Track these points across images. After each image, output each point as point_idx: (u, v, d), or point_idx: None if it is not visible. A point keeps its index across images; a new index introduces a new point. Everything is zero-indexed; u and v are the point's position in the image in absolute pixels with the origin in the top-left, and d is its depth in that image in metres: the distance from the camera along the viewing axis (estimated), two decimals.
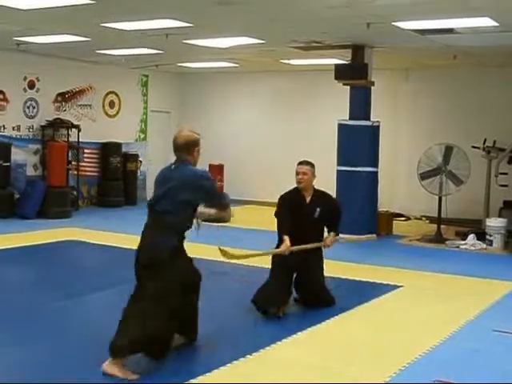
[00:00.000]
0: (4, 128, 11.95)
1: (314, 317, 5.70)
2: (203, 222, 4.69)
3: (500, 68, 11.79)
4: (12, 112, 12.05)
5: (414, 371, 4.46)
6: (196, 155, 4.56)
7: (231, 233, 9.95)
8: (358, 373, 4.42)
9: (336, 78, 10.61)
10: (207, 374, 4.28)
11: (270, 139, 14.43)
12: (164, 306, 4.32)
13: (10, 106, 12.03)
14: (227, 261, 5.69)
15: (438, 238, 10.28)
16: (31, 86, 12.39)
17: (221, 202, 4.65)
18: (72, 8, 7.65)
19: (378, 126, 10.55)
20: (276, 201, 6.16)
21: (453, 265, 8.42)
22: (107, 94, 14.07)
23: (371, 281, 7.31)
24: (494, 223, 9.89)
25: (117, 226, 10.87)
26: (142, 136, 15.04)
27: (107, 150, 13.65)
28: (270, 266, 6.00)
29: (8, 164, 11.61)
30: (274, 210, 6.07)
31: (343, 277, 7.38)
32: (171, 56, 12.24)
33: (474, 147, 11.13)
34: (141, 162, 14.54)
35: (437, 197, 10.60)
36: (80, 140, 12.93)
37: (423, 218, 12.43)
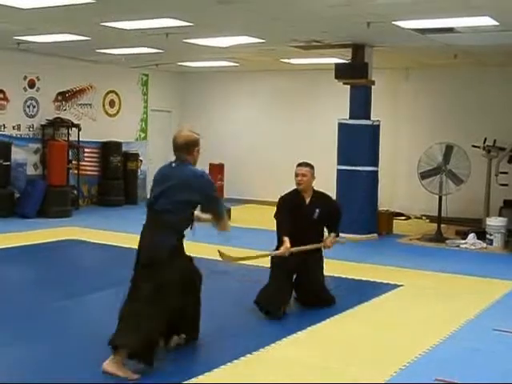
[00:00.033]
0: (4, 127, 11.95)
1: (314, 316, 5.70)
2: (201, 223, 4.68)
3: (500, 67, 11.79)
4: (12, 111, 12.05)
5: (414, 370, 4.47)
6: (196, 155, 4.56)
7: (231, 232, 9.93)
8: (358, 372, 4.42)
9: (336, 77, 10.61)
10: (207, 374, 4.28)
11: (271, 138, 14.43)
12: (158, 308, 4.30)
13: (10, 106, 12.03)
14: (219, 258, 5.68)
15: (439, 238, 10.28)
16: (31, 85, 12.39)
17: (218, 209, 4.60)
18: (72, 7, 7.65)
19: (379, 126, 10.54)
20: (276, 200, 6.17)
21: (453, 264, 8.42)
22: (107, 93, 14.07)
23: (371, 280, 7.31)
24: (494, 222, 9.89)
25: (117, 225, 10.87)
26: (143, 135, 15.04)
27: (107, 149, 13.65)
28: (263, 264, 5.99)
29: (8, 163, 11.61)
30: (274, 209, 6.07)
31: (343, 276, 7.38)
32: (171, 55, 12.24)
33: (474, 146, 11.13)
34: (141, 161, 14.54)
35: (437, 196, 10.60)
36: (80, 139, 12.93)
37: (423, 218, 12.44)
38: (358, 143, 10.27)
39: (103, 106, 14.01)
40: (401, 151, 12.94)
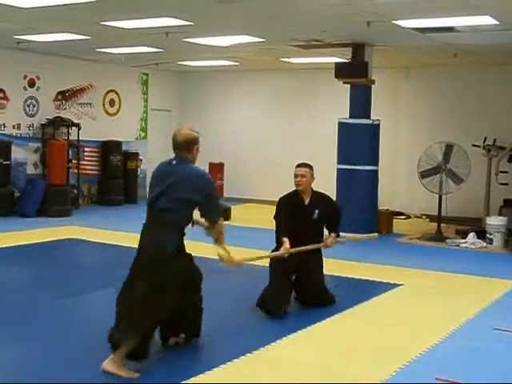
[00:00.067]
0: (4, 126, 11.95)
1: (314, 315, 5.70)
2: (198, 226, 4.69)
3: (500, 66, 11.78)
4: (12, 110, 12.05)
5: (414, 369, 4.47)
6: (195, 153, 4.56)
7: (231, 231, 9.92)
8: (358, 371, 4.42)
9: (336, 76, 10.61)
10: (207, 373, 4.28)
11: (271, 138, 14.43)
12: (156, 307, 4.29)
13: (10, 105, 12.03)
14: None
15: (438, 237, 10.28)
16: (31, 84, 12.39)
17: (214, 210, 4.60)
18: (72, 6, 7.65)
19: (378, 125, 10.54)
20: (276, 199, 6.17)
21: (453, 263, 8.42)
22: (107, 92, 14.07)
23: (371, 279, 7.31)
24: (494, 222, 9.89)
25: (117, 224, 10.87)
26: (143, 134, 15.04)
27: (107, 149, 13.65)
28: (269, 267, 5.99)
29: (8, 162, 11.61)
30: (274, 208, 6.08)
31: (343, 275, 7.38)
32: (171, 54, 12.24)
33: (474, 145, 11.13)
34: (141, 160, 14.53)
35: (437, 195, 10.60)
36: (80, 138, 12.93)
37: (423, 217, 12.44)
38: (358, 142, 10.27)
39: (103, 105, 14.01)
40: (401, 150, 12.94)
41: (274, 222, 6.00)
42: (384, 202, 11.55)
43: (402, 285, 7.06)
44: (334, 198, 6.90)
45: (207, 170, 5.15)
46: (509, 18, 7.69)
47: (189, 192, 4.37)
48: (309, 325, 5.45)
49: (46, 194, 11.71)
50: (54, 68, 12.61)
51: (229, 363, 4.46)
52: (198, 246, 4.78)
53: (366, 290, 6.90)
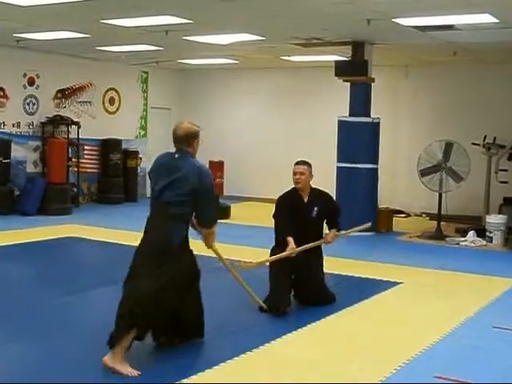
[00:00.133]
0: (4, 125, 11.95)
1: (314, 314, 5.70)
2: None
3: (500, 65, 11.78)
4: (12, 109, 12.04)
5: (414, 368, 4.47)
6: (196, 147, 4.61)
7: (231, 231, 9.95)
8: (358, 370, 4.42)
9: (336, 74, 10.61)
10: (207, 371, 4.28)
11: (270, 136, 14.43)
12: (155, 302, 4.30)
13: (9, 103, 12.03)
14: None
15: (438, 235, 10.28)
16: (31, 82, 12.38)
17: (210, 213, 4.64)
18: (72, 5, 7.65)
19: (378, 123, 10.55)
20: (276, 197, 6.17)
21: (453, 261, 8.43)
22: (107, 90, 14.06)
23: (371, 277, 7.31)
24: (494, 220, 9.89)
25: (117, 222, 10.88)
26: (142, 133, 15.04)
27: (107, 147, 13.65)
28: (269, 266, 6.00)
29: (8, 161, 11.61)
30: (273, 206, 6.08)
31: (343, 274, 7.38)
32: (171, 52, 12.23)
33: (474, 144, 11.13)
34: (141, 158, 14.53)
35: (437, 193, 10.60)
36: (80, 137, 12.93)
37: (423, 215, 12.44)
38: (358, 141, 10.27)
39: (103, 103, 14.01)
40: (400, 148, 12.93)
41: (274, 220, 6.00)
42: (384, 201, 11.54)
43: (401, 283, 7.06)
44: (333, 196, 6.88)
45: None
46: (509, 16, 7.69)
47: (192, 187, 4.39)
48: (309, 323, 5.44)
49: (46, 193, 11.71)
50: (54, 66, 12.61)
51: (229, 361, 4.46)
52: (197, 245, 4.77)
53: (366, 289, 6.90)
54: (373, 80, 10.61)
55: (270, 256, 5.95)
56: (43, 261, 8.10)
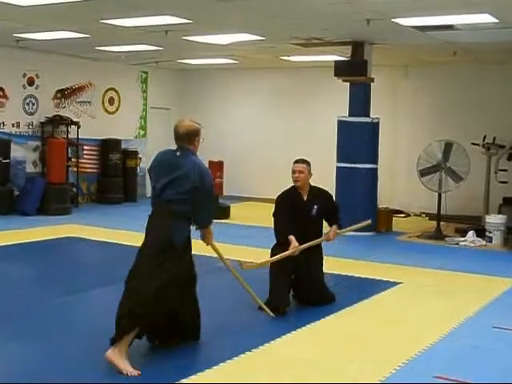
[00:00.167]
0: (3, 125, 11.95)
1: (313, 313, 5.70)
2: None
3: (500, 65, 11.78)
4: (11, 109, 12.04)
5: (413, 368, 4.47)
6: (197, 144, 4.64)
7: (231, 231, 9.95)
8: (357, 370, 4.42)
9: (336, 74, 10.61)
10: (207, 371, 4.28)
11: (270, 136, 14.43)
12: (156, 300, 4.31)
13: (9, 103, 12.02)
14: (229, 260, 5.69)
15: (438, 235, 10.28)
16: (31, 82, 12.38)
17: (208, 212, 4.65)
18: (71, 5, 7.65)
19: (378, 123, 10.55)
20: (275, 197, 6.16)
21: (452, 261, 8.43)
22: (107, 90, 14.06)
23: (371, 277, 7.31)
24: (494, 220, 9.89)
25: (117, 222, 10.87)
26: (142, 133, 15.04)
27: (107, 147, 13.64)
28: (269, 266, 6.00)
29: (7, 161, 11.60)
30: (273, 206, 6.08)
31: (343, 274, 7.38)
32: (171, 52, 12.23)
33: (473, 144, 11.13)
34: (140, 158, 14.53)
35: (436, 193, 10.61)
36: (79, 137, 12.92)
37: (423, 215, 12.45)
38: (358, 141, 10.28)
39: (102, 103, 14.01)
40: (400, 148, 12.94)
41: (273, 219, 6.00)
42: (383, 201, 11.55)
43: (401, 283, 7.06)
44: (333, 195, 6.87)
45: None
46: (508, 16, 7.69)
47: (192, 185, 4.41)
48: (309, 323, 5.44)
49: (46, 193, 11.71)
50: (54, 66, 12.61)
51: (229, 361, 4.45)
52: (197, 244, 4.76)
53: (365, 288, 6.90)
54: (372, 80, 10.62)
55: (271, 255, 5.95)
56: (43, 261, 8.10)
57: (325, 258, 6.26)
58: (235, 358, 4.52)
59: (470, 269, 7.88)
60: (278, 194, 6.17)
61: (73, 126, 12.74)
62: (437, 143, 10.57)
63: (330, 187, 7.12)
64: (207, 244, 4.82)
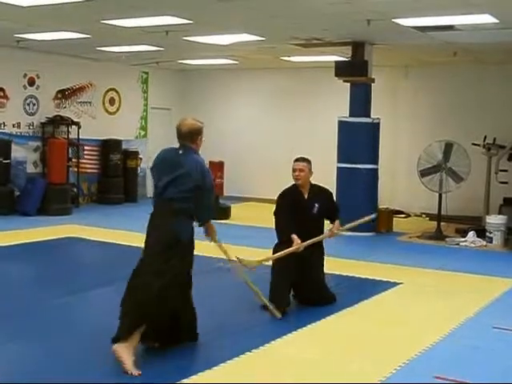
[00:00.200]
0: (4, 125, 11.95)
1: (314, 314, 5.70)
2: None
3: (500, 65, 11.78)
4: (12, 109, 12.04)
5: (413, 368, 4.47)
6: (199, 143, 4.68)
7: (231, 231, 9.95)
8: (358, 370, 4.42)
9: (336, 74, 10.61)
10: (207, 371, 4.28)
11: (271, 136, 14.43)
12: (160, 299, 4.32)
13: (10, 103, 12.03)
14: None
15: (438, 235, 10.28)
16: (31, 83, 12.38)
17: (208, 211, 4.67)
18: (72, 5, 7.65)
19: (378, 123, 10.55)
20: (276, 198, 6.17)
21: (453, 262, 8.43)
22: (107, 91, 14.07)
23: (371, 278, 7.31)
24: (494, 220, 9.89)
25: (117, 223, 10.88)
26: (143, 133, 15.04)
27: (107, 147, 13.64)
28: (271, 264, 6.00)
29: (8, 161, 11.60)
30: (274, 206, 6.08)
31: (344, 274, 7.38)
32: (171, 53, 12.24)
33: (474, 144, 11.13)
34: (141, 159, 14.54)
35: (437, 194, 10.60)
36: (80, 137, 12.92)
37: (423, 215, 12.45)
38: (358, 141, 10.28)
39: (103, 103, 14.01)
40: (401, 149, 12.94)
41: (274, 217, 6.00)
42: (384, 201, 11.55)
43: (401, 283, 7.06)
44: (333, 195, 6.86)
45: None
46: (508, 16, 7.69)
47: (194, 183, 4.44)
48: (309, 323, 5.44)
49: (46, 193, 11.71)
50: (54, 66, 12.61)
51: (229, 362, 4.45)
52: (198, 244, 4.76)
53: (366, 289, 6.90)
54: (373, 80, 10.62)
55: (273, 254, 5.95)
56: (43, 261, 8.10)
57: (325, 258, 6.26)
58: (235, 359, 4.52)
59: (470, 269, 7.88)
60: (279, 192, 6.17)
61: (73, 127, 12.74)
62: (437, 143, 10.57)
63: (331, 187, 7.11)
64: (212, 240, 4.82)
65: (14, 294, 6.28)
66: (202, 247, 4.87)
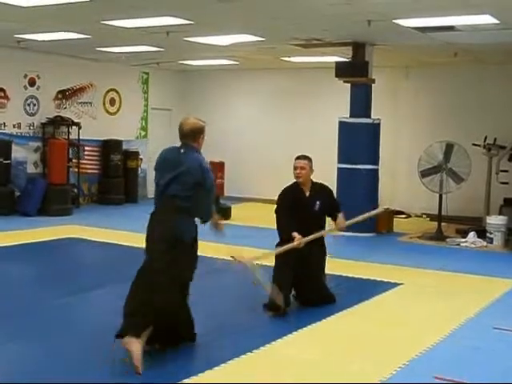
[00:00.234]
0: (4, 125, 11.95)
1: (314, 314, 5.70)
2: None
3: (500, 65, 11.78)
4: (12, 109, 12.04)
5: (414, 368, 4.47)
6: (201, 142, 4.71)
7: (232, 231, 9.92)
8: (358, 370, 4.42)
9: (337, 75, 10.61)
10: (207, 372, 4.28)
11: (271, 136, 14.43)
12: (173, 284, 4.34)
13: (10, 104, 12.03)
14: (229, 258, 5.69)
15: (439, 236, 10.28)
16: (32, 83, 12.39)
17: (208, 209, 4.67)
18: (72, 5, 7.65)
19: (379, 124, 10.55)
20: (276, 198, 6.16)
21: (453, 262, 8.42)
22: (108, 91, 14.07)
23: (372, 278, 7.31)
24: (495, 221, 9.89)
25: (117, 223, 10.88)
26: (143, 133, 15.05)
27: (108, 148, 13.65)
28: (271, 264, 5.99)
29: (9, 161, 11.61)
30: (274, 207, 6.07)
31: (344, 274, 7.37)
32: (172, 53, 12.24)
33: (474, 145, 11.13)
34: (141, 159, 14.54)
35: (437, 194, 10.60)
36: (80, 137, 12.93)
37: (424, 216, 12.44)
38: (359, 141, 10.28)
39: (103, 104, 14.01)
40: (401, 149, 12.93)
41: (275, 215, 6.00)
42: (384, 201, 11.54)
43: (402, 284, 7.06)
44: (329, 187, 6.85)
45: None
46: (509, 17, 7.69)
47: (195, 181, 4.45)
48: (310, 324, 5.44)
49: (47, 193, 11.71)
50: (55, 67, 12.61)
51: (229, 362, 4.45)
52: (199, 244, 4.77)
53: (366, 289, 6.89)
54: (373, 81, 10.62)
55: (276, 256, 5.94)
56: (44, 261, 8.10)
57: (326, 259, 6.25)
58: (236, 359, 4.52)
59: (470, 270, 7.88)
60: (281, 190, 6.16)
61: (74, 127, 12.74)
62: (438, 144, 10.56)
63: (331, 188, 7.11)
64: (219, 229, 4.84)
65: (14, 294, 6.28)
66: (202, 247, 4.86)
